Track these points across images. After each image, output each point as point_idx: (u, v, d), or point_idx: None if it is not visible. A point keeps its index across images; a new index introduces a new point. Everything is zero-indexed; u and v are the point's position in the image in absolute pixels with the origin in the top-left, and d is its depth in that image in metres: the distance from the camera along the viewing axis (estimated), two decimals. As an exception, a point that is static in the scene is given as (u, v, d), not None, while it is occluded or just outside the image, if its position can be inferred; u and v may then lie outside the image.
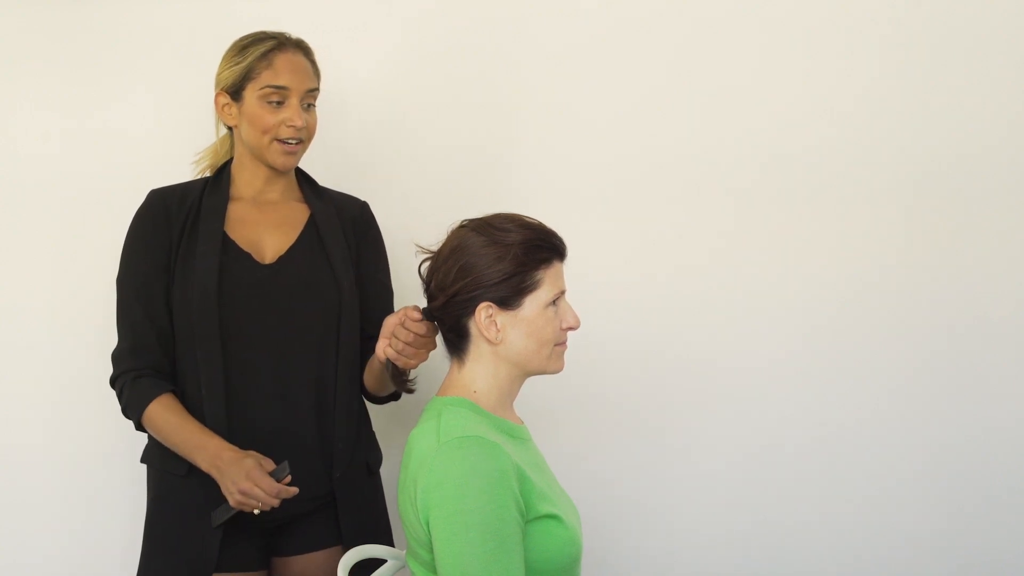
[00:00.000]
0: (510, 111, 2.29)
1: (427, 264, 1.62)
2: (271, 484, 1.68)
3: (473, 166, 2.30)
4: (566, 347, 1.63)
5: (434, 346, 1.69)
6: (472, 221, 1.59)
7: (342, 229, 1.93)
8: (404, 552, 1.67)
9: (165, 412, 1.77)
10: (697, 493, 2.29)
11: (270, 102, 1.82)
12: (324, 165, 2.15)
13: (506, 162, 2.30)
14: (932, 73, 2.21)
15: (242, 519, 1.76)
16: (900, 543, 2.25)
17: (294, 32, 1.92)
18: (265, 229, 1.88)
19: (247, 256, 1.84)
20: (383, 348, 1.67)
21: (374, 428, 2.04)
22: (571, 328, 1.62)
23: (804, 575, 2.27)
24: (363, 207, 2.02)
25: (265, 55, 1.83)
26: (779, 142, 2.24)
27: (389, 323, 1.68)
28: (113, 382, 1.85)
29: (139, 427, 1.83)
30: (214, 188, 1.89)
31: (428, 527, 1.46)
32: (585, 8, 2.28)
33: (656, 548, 2.30)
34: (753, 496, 2.28)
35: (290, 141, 1.84)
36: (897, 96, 2.22)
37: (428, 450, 1.49)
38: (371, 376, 1.90)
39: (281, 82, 1.82)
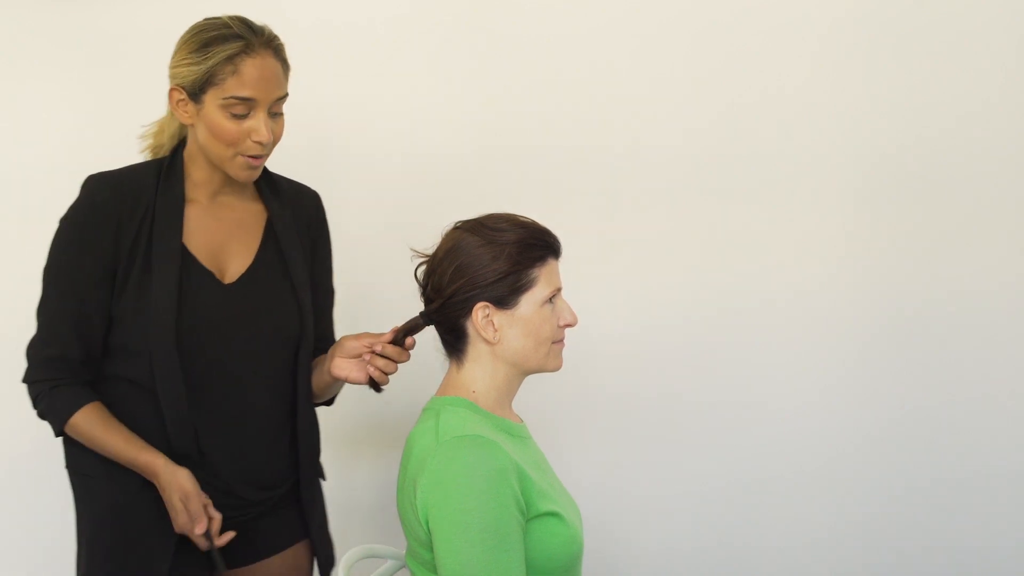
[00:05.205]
0: (503, 111, 2.29)
1: (423, 267, 1.62)
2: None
3: (467, 167, 2.29)
4: (564, 345, 1.63)
5: (407, 358, 1.70)
6: (466, 222, 1.59)
7: (298, 233, 1.80)
8: (404, 552, 1.67)
9: (94, 423, 1.65)
10: (697, 490, 2.29)
11: (234, 114, 1.62)
12: (317, 167, 2.14)
13: (500, 162, 2.29)
14: (922, 71, 2.21)
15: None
16: (913, 547, 2.25)
17: (268, 23, 1.72)
18: (225, 240, 1.72)
19: (209, 275, 1.69)
20: (351, 370, 1.69)
21: (368, 428, 2.04)
22: (568, 325, 1.62)
23: (805, 570, 2.28)
24: (317, 203, 1.88)
25: (231, 59, 1.60)
26: (776, 141, 2.24)
27: (351, 347, 1.69)
28: (29, 382, 1.69)
29: (59, 433, 1.69)
30: (168, 184, 1.69)
31: (428, 526, 1.46)
32: (580, 6, 2.27)
33: (657, 546, 2.31)
34: (753, 494, 2.28)
35: (254, 155, 1.66)
36: (879, 95, 2.22)
37: (427, 449, 1.49)
38: (313, 386, 1.81)
39: (248, 93, 1.61)
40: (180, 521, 1.62)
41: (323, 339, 1.83)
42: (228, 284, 1.70)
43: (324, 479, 1.88)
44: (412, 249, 1.62)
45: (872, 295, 2.24)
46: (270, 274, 1.73)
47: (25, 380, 1.69)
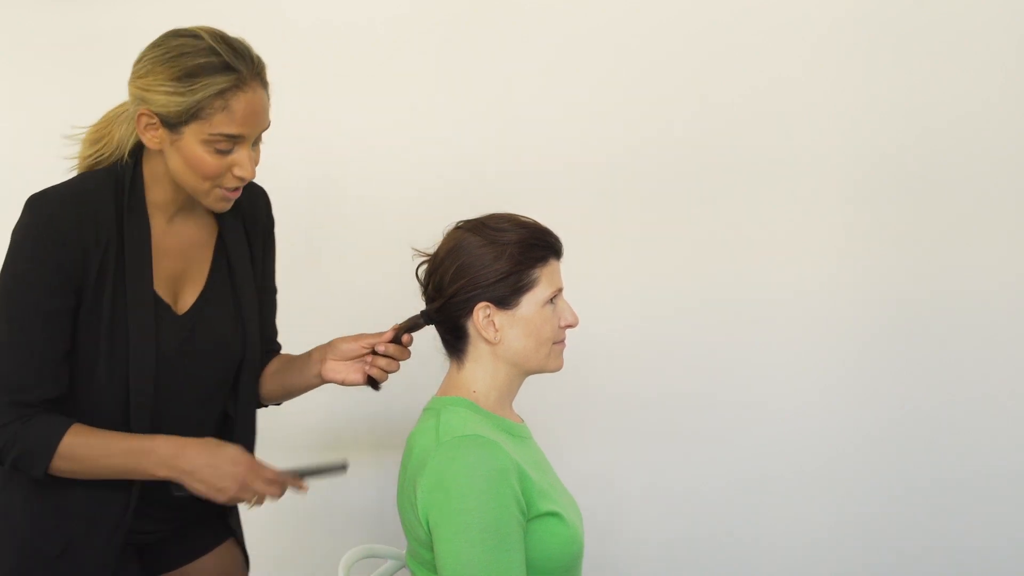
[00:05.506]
0: (503, 111, 2.29)
1: (424, 267, 1.62)
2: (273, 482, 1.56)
3: (467, 167, 2.29)
4: (565, 345, 1.63)
5: (409, 355, 1.70)
6: (468, 222, 1.59)
7: (251, 239, 1.72)
8: (404, 552, 1.67)
9: (87, 435, 1.52)
10: (698, 490, 2.29)
11: (218, 149, 1.50)
12: (316, 167, 2.14)
13: (500, 161, 2.29)
14: (922, 71, 2.21)
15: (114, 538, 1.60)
16: (913, 547, 2.25)
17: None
18: (180, 267, 1.63)
19: (166, 308, 1.60)
20: (347, 373, 1.68)
21: (368, 428, 2.03)
22: (569, 326, 1.62)
23: (805, 570, 2.27)
24: (268, 203, 1.78)
25: (221, 94, 1.47)
26: (777, 141, 2.24)
27: (348, 349, 1.68)
28: None
29: (45, 467, 1.51)
30: (132, 212, 1.56)
31: (428, 526, 1.46)
32: (580, 6, 2.27)
33: (657, 546, 2.31)
34: (753, 494, 2.28)
35: (233, 187, 1.56)
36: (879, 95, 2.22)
37: (427, 449, 1.49)
38: (281, 389, 1.77)
39: (237, 131, 1.49)
40: (261, 471, 1.55)
41: (267, 340, 1.80)
42: (180, 315, 1.62)
43: None
44: (413, 248, 1.62)
45: (872, 295, 2.24)
46: (220, 298, 1.67)
47: None
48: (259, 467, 1.57)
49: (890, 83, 2.21)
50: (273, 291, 1.81)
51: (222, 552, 1.76)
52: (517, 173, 2.28)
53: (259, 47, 1.56)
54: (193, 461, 1.53)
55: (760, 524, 2.28)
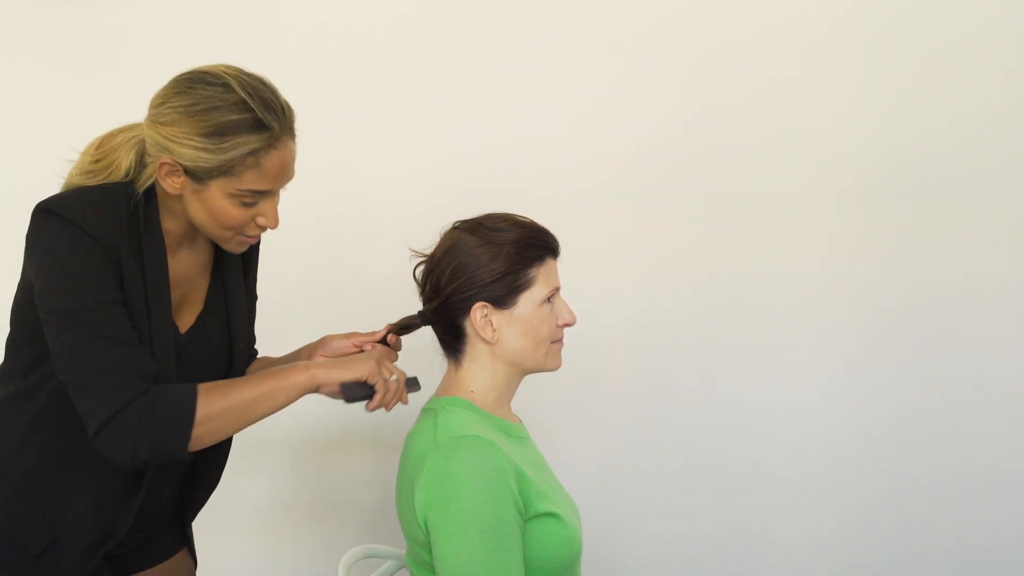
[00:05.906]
0: (503, 111, 2.29)
1: (421, 267, 1.62)
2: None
3: (466, 166, 2.29)
4: (563, 344, 1.63)
5: (395, 358, 1.70)
6: (465, 222, 1.59)
7: (244, 264, 1.71)
8: (404, 552, 1.67)
9: (215, 385, 1.46)
10: (698, 490, 2.29)
11: (245, 203, 1.47)
12: (315, 167, 2.13)
13: (499, 162, 2.29)
14: (922, 71, 2.21)
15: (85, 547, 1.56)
16: (913, 546, 2.25)
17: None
18: (184, 290, 1.61)
19: (175, 328, 1.57)
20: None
21: (368, 428, 2.04)
22: (567, 325, 1.62)
23: (805, 570, 2.27)
24: None
25: (254, 153, 1.43)
26: (777, 141, 2.24)
27: (338, 346, 1.68)
28: (107, 421, 1.40)
29: (186, 440, 1.42)
30: (149, 235, 1.51)
31: (426, 527, 1.46)
32: (580, 6, 2.27)
33: (656, 546, 2.31)
34: (753, 493, 2.28)
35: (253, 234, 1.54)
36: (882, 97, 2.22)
37: (425, 450, 1.48)
38: None
39: (266, 187, 1.47)
40: (382, 376, 1.55)
41: (247, 346, 1.79)
42: (182, 333, 1.59)
43: None
44: (411, 249, 1.62)
45: (872, 295, 2.24)
46: (215, 317, 1.65)
47: (101, 427, 1.40)
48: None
49: (890, 83, 2.21)
50: (255, 298, 1.81)
51: (177, 559, 1.77)
52: (516, 173, 2.28)
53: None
54: (322, 363, 1.53)
55: (760, 524, 2.28)
